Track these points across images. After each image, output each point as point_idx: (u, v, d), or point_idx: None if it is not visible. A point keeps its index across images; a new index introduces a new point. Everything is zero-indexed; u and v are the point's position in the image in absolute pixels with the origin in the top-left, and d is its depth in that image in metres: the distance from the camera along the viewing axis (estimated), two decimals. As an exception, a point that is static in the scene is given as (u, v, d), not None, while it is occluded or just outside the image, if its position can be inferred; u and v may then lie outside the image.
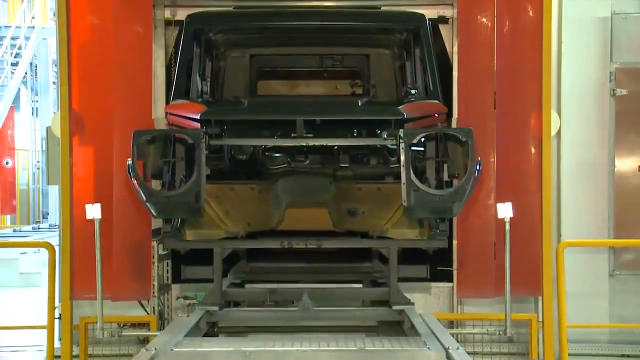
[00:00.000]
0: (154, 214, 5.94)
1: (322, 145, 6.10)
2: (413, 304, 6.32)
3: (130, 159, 5.75)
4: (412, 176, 5.70)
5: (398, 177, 5.95)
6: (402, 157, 5.73)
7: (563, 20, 7.88)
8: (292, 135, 5.95)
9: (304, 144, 6.00)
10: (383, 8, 7.43)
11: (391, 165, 6.36)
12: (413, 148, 5.82)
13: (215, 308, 6.31)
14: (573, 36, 7.95)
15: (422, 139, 5.84)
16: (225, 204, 6.61)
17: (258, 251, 7.27)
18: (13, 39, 22.34)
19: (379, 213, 6.63)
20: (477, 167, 5.77)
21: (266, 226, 6.74)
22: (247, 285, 6.82)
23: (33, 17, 23.46)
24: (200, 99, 6.71)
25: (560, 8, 7.85)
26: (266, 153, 6.50)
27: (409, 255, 6.87)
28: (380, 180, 6.78)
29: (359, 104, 6.33)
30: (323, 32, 7.32)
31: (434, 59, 6.68)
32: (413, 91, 6.78)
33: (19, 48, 22.58)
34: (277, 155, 6.52)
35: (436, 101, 6.52)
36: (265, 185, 6.66)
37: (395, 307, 6.31)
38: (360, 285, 6.85)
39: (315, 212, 6.68)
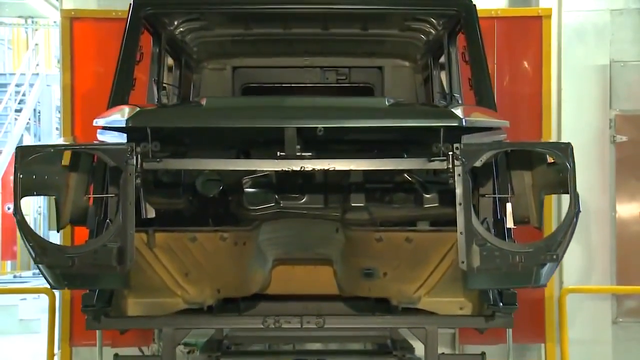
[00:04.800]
0: (52, 283, 4.14)
1: (326, 173, 4.47)
2: None
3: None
4: (475, 221, 3.87)
5: (437, 221, 4.59)
6: (459, 190, 3.86)
7: (562, 68, 7.95)
8: (279, 154, 3.95)
9: (299, 169, 3.99)
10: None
11: (425, 205, 4.77)
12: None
13: None
14: (573, 83, 8.01)
15: (483, 162, 3.93)
16: (185, 262, 4.70)
17: (245, 305, 5.26)
18: (17, 85, 22.56)
19: (408, 274, 4.73)
20: (578, 209, 3.96)
21: (244, 291, 4.88)
22: None
23: (38, 64, 23.70)
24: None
25: (559, 55, 7.92)
26: (244, 186, 4.83)
27: None
28: (410, 227, 4.85)
29: (386, 104, 4.19)
30: (327, 21, 5.35)
31: (484, 56, 4.85)
32: (449, 99, 5.00)
33: (23, 95, 22.78)
34: (258, 189, 4.86)
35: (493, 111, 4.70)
36: (243, 234, 4.78)
37: None
38: None
39: (314, 272, 4.95)
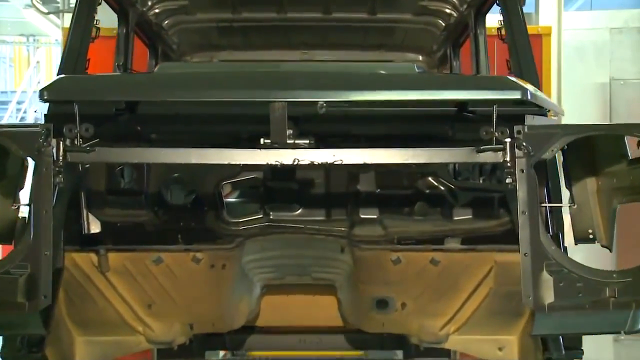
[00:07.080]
0: None
1: (328, 174, 3.41)
2: None
3: None
4: (546, 237, 2.85)
5: (470, 238, 3.54)
6: (522, 192, 2.77)
7: (562, 85, 7.97)
8: (264, 142, 2.81)
9: (291, 162, 2.81)
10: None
11: (456, 217, 3.59)
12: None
13: None
14: (573, 101, 8.02)
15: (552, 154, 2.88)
16: (147, 290, 3.71)
17: (232, 338, 4.43)
18: (19, 103, 22.66)
19: (433, 306, 3.79)
20: None
21: (225, 326, 3.95)
22: None
23: (39, 82, 23.80)
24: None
25: (559, 73, 7.94)
26: (223, 193, 3.63)
27: None
28: (437, 245, 3.66)
29: (415, 71, 3.19)
30: (329, 2, 4.56)
31: (526, 30, 3.86)
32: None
33: (24, 112, 22.87)
34: (242, 197, 3.69)
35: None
36: (222, 254, 3.70)
37: None
38: None
39: (313, 302, 4.06)
